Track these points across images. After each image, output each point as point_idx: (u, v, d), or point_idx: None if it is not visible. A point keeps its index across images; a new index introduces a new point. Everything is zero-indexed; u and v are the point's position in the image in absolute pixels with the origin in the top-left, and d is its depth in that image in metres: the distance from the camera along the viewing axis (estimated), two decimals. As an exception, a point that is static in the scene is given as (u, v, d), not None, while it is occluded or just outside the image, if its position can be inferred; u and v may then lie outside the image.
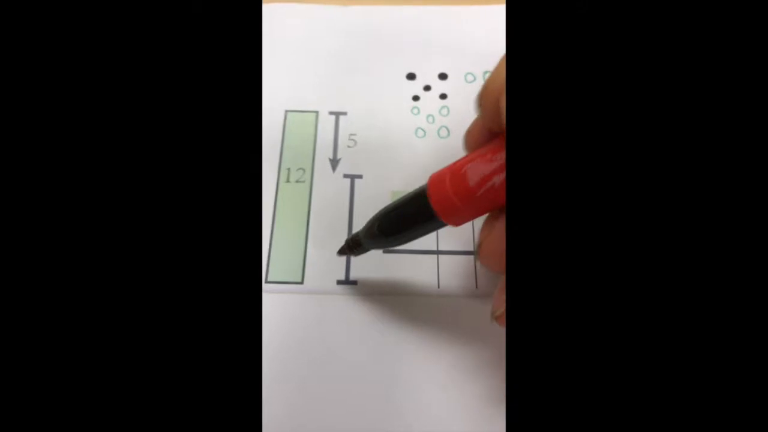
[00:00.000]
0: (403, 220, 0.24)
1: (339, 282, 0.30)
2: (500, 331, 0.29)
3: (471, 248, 0.31)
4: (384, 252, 0.31)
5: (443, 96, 0.35)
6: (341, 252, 0.29)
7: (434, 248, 0.31)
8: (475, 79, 0.35)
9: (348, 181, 0.32)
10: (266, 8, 0.37)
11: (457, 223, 0.23)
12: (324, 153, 0.33)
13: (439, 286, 0.30)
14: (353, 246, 0.27)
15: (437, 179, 0.22)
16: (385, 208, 0.26)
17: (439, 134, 0.34)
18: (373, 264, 0.30)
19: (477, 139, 0.23)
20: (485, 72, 0.36)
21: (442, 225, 0.23)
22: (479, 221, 0.29)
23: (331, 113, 0.34)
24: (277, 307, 0.29)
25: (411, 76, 0.35)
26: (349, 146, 0.33)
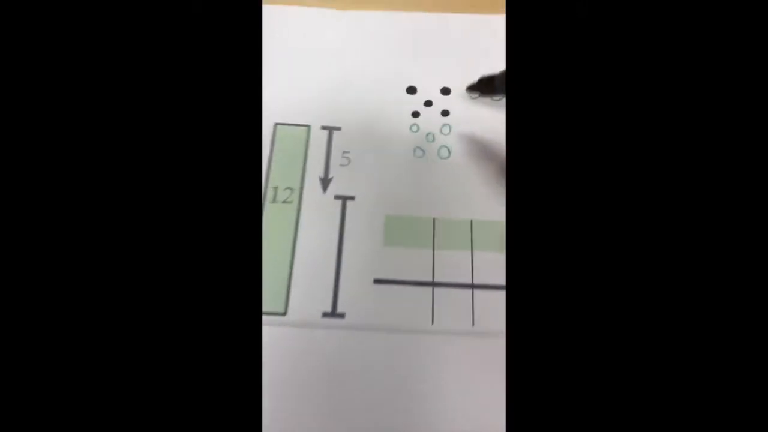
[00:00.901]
0: None
1: (325, 314, 0.28)
2: (499, 373, 0.27)
3: (469, 280, 0.28)
4: (375, 282, 0.28)
5: (445, 113, 0.32)
6: (470, 88, 0.30)
7: (430, 279, 0.28)
8: (480, 95, 0.33)
9: (339, 202, 0.30)
10: (259, 11, 0.34)
11: None
12: (314, 171, 0.31)
13: (433, 322, 0.28)
14: (485, 86, 0.29)
15: None
16: None
17: (439, 154, 0.31)
18: (362, 295, 0.28)
19: None
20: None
21: None
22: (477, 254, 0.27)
23: (324, 128, 0.32)
24: (256, 340, 0.27)
25: (411, 90, 0.33)
26: (341, 164, 0.31)
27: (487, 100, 0.32)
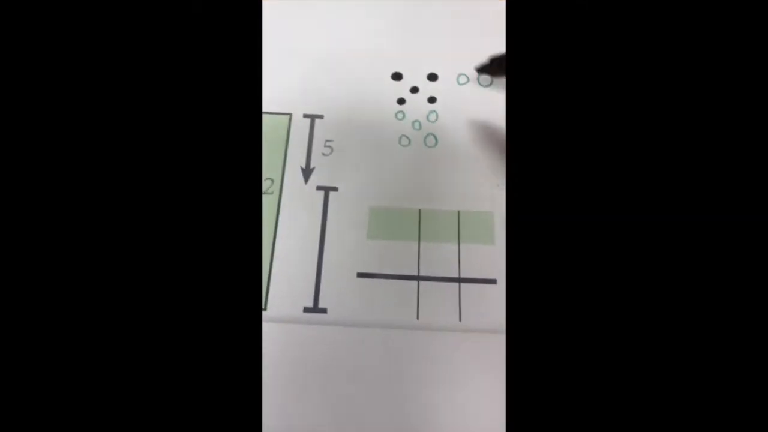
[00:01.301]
0: None
1: (306, 309, 0.27)
2: (485, 372, 0.26)
3: (456, 274, 0.27)
4: (358, 276, 0.27)
5: (432, 99, 0.31)
6: (481, 70, 0.29)
7: (415, 273, 0.27)
8: (468, 80, 0.32)
9: (321, 193, 0.29)
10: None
11: None
12: (296, 161, 0.30)
13: (418, 317, 0.27)
14: (497, 68, 0.27)
15: None
16: None
17: (425, 143, 0.30)
18: (345, 290, 0.27)
19: None
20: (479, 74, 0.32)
21: None
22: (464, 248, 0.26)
23: (306, 116, 0.31)
24: (235, 337, 0.26)
25: (397, 76, 0.32)
26: (324, 154, 0.30)
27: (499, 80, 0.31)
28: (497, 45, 0.32)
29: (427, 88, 0.32)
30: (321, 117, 0.31)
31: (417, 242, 0.28)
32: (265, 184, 0.29)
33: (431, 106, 0.31)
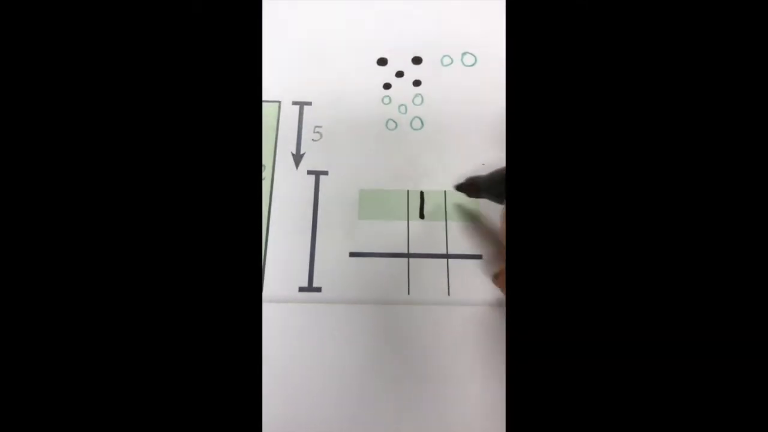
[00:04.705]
0: None
1: (301, 289, 0.28)
2: (473, 341, 0.27)
3: (443, 251, 0.28)
4: (350, 255, 0.28)
5: (417, 83, 0.32)
6: (459, 187, 0.28)
7: (405, 251, 0.29)
8: (452, 61, 0.33)
9: (312, 177, 0.30)
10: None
11: None
12: (286, 147, 0.31)
13: (409, 293, 0.28)
14: (472, 187, 0.27)
15: None
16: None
17: (412, 126, 0.31)
18: (338, 269, 0.28)
19: None
20: (464, 53, 0.33)
21: None
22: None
23: (295, 103, 0.31)
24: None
25: (382, 62, 0.33)
26: (313, 140, 0.31)
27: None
28: (480, 25, 0.33)
29: (412, 72, 0.32)
30: (309, 104, 0.31)
31: (406, 221, 0.29)
32: (258, 171, 0.30)
33: (416, 90, 0.32)
